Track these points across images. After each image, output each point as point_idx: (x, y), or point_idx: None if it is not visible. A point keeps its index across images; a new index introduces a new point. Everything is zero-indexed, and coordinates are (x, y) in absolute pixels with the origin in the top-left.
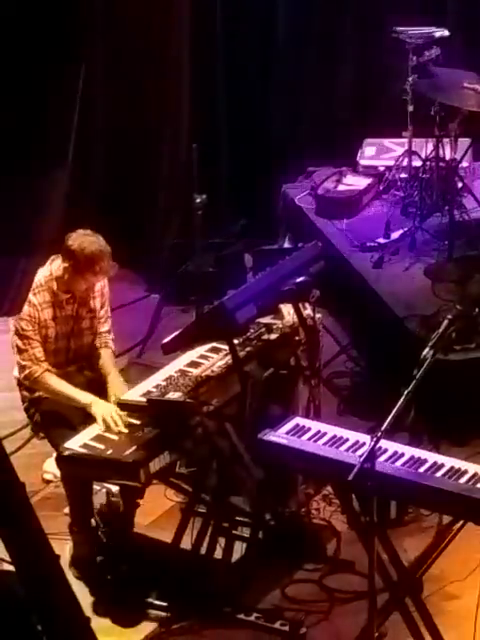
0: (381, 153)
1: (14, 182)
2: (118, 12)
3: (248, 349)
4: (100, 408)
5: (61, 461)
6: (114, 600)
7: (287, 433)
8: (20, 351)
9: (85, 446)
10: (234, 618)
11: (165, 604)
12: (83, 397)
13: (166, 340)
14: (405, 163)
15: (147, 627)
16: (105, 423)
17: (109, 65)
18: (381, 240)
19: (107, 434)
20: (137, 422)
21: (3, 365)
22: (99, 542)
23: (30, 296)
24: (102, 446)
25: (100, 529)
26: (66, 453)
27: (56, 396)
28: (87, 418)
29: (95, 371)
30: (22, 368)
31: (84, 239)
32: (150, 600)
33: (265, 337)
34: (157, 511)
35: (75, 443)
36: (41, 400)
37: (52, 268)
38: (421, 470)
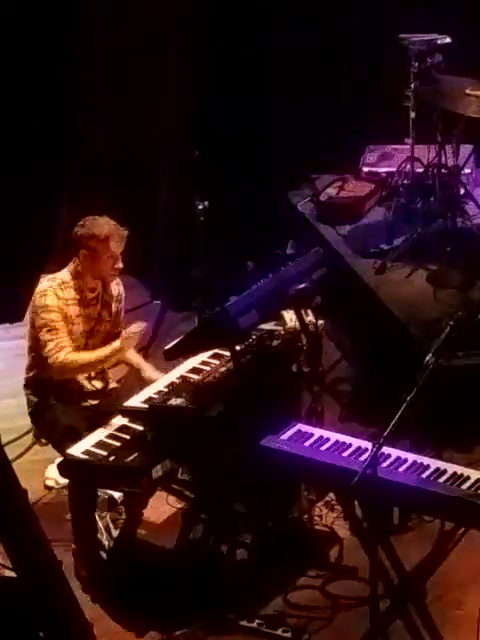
0: (383, 159)
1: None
2: (118, 15)
3: (250, 355)
4: (126, 345)
5: (63, 467)
6: (117, 607)
7: (289, 439)
8: (45, 344)
9: (87, 452)
10: (236, 624)
11: (167, 611)
12: (109, 350)
13: (168, 346)
14: (407, 169)
15: (150, 634)
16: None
17: (109, 73)
18: (383, 246)
19: (109, 440)
20: (139, 428)
21: (8, 372)
22: (102, 549)
23: (57, 291)
24: (104, 452)
25: (103, 535)
26: (68, 459)
27: (90, 368)
28: (92, 424)
29: (103, 380)
30: (44, 360)
31: (87, 223)
32: (152, 606)
33: (267, 343)
34: (159, 518)
35: (77, 449)
36: (47, 405)
37: (74, 266)
38: (424, 476)
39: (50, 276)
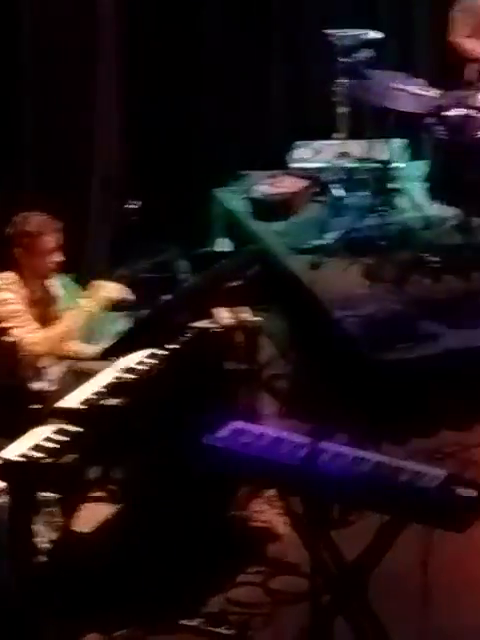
0: (314, 155)
1: None
2: (47, 13)
3: (184, 353)
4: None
5: None
6: (55, 610)
7: (227, 437)
8: (12, 333)
9: (23, 455)
10: (177, 623)
11: (106, 612)
12: (77, 312)
13: (104, 346)
14: (339, 165)
15: (89, 636)
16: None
17: (38, 69)
18: (318, 242)
19: (44, 443)
20: (76, 429)
21: None
22: (40, 552)
23: (10, 287)
24: (40, 454)
25: (40, 538)
26: (4, 462)
27: (69, 335)
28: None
29: (42, 381)
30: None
31: (17, 221)
32: (91, 608)
33: (202, 341)
34: (97, 519)
35: (12, 452)
36: None
37: (15, 267)
38: (362, 470)
39: None
